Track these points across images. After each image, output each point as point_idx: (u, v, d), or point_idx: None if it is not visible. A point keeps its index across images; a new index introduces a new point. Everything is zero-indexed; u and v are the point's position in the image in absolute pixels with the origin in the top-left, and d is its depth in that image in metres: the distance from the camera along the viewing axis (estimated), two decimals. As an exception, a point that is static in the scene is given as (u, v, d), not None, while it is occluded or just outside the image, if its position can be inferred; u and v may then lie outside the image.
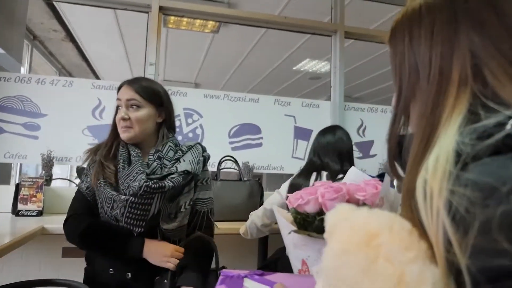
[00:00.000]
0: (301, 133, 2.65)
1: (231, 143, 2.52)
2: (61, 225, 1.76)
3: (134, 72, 5.86)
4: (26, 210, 1.95)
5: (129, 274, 1.16)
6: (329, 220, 0.48)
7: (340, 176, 1.76)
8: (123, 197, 1.11)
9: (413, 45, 0.52)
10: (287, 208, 1.77)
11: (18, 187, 1.97)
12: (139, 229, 1.12)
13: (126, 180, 1.14)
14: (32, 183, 1.98)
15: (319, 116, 2.69)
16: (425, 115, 0.49)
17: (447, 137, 0.44)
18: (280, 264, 1.74)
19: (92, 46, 4.94)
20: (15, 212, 1.94)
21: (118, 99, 1.22)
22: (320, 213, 0.69)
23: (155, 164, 1.19)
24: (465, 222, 0.36)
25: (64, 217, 1.97)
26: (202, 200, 1.30)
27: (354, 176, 0.84)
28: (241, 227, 1.95)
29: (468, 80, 0.47)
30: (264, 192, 2.22)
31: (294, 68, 5.42)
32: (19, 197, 1.95)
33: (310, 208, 0.70)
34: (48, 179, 2.14)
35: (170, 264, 1.12)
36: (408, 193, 0.45)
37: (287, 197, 1.73)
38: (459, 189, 0.38)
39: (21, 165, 3.59)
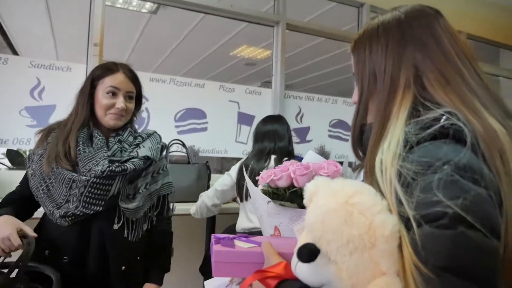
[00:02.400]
0: (244, 118, 2.77)
1: (177, 127, 2.56)
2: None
3: (59, 51, 5.48)
4: (-40, 195, 1.82)
5: (66, 258, 1.18)
6: (310, 188, 0.62)
7: (286, 159, 1.93)
8: (84, 177, 1.15)
9: (372, 56, 0.67)
10: (237, 189, 1.91)
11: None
12: (98, 208, 1.17)
13: (88, 163, 1.17)
14: (-33, 166, 1.86)
15: (261, 103, 2.83)
16: (380, 110, 0.64)
17: (397, 128, 0.60)
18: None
19: (12, 18, 4.52)
20: None
21: (115, 87, 1.22)
22: (290, 187, 0.82)
23: (115, 146, 1.24)
24: (411, 186, 0.51)
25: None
26: (166, 184, 1.38)
27: (312, 159, 0.98)
28: (192, 208, 2.05)
29: (411, 85, 0.63)
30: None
31: (231, 54, 5.50)
32: (-49, 181, 1.82)
33: (282, 183, 0.82)
34: (-17, 162, 2.01)
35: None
36: (370, 169, 0.61)
37: (238, 178, 1.88)
38: (407, 165, 0.53)
39: None
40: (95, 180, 1.15)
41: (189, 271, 2.37)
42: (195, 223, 2.29)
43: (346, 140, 3.14)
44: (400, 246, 0.51)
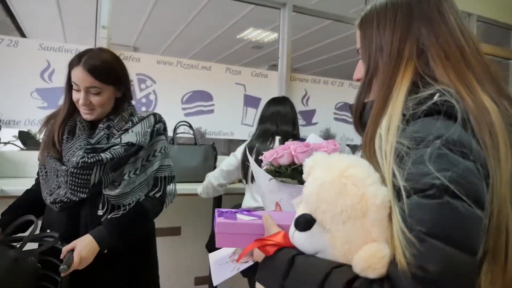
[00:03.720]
0: (250, 101, 2.80)
1: (184, 109, 2.60)
2: (17, 187, 1.77)
3: (66, 34, 5.50)
4: (-24, 174, 1.90)
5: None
6: (308, 163, 0.66)
7: (291, 140, 1.97)
8: (63, 167, 1.20)
9: (379, 30, 0.69)
10: (242, 170, 1.95)
11: (-35, 151, 1.90)
12: (84, 195, 1.21)
13: (67, 153, 1.22)
14: (-18, 146, 1.92)
15: (267, 85, 2.85)
16: (384, 83, 0.66)
17: (397, 103, 0.63)
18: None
19: (21, 1, 4.55)
20: (-36, 176, 1.89)
21: (74, 82, 1.19)
22: (291, 164, 0.86)
23: (102, 133, 1.25)
24: (404, 159, 0.55)
25: (20, 180, 1.98)
26: (165, 166, 1.36)
27: (314, 140, 1.02)
28: (198, 187, 2.10)
29: (413, 58, 0.65)
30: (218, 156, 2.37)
31: (238, 37, 5.48)
32: (-33, 160, 1.89)
33: (284, 161, 0.87)
34: (-3, 142, 2.07)
35: None
36: (371, 141, 0.64)
37: (242, 160, 1.92)
38: (402, 141, 0.56)
39: None
40: (73, 170, 1.18)
41: (196, 249, 2.45)
42: (202, 202, 2.35)
43: (352, 123, 3.15)
44: (390, 215, 0.55)
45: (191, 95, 2.62)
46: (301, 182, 0.80)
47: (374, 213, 0.55)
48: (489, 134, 0.56)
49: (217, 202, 2.31)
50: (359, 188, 0.56)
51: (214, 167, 2.29)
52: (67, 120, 1.26)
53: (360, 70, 0.75)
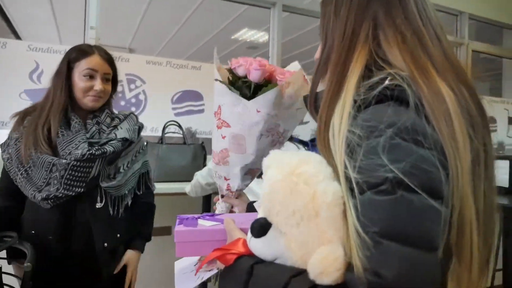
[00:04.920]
0: (241, 100, 2.80)
1: (174, 109, 2.60)
2: None
3: (62, 36, 5.51)
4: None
5: (51, 236, 1.21)
6: (264, 163, 0.61)
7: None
8: (64, 161, 1.17)
9: (337, 9, 0.65)
10: None
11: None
12: (80, 189, 1.19)
13: (67, 147, 1.19)
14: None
15: (258, 84, 2.85)
16: (338, 64, 0.61)
17: (350, 87, 0.57)
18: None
19: (14, 4, 4.56)
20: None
21: (92, 69, 1.22)
22: (245, 77, 0.83)
23: (94, 128, 1.26)
24: (355, 150, 0.51)
25: None
26: (145, 163, 1.43)
27: (293, 68, 0.94)
28: (187, 186, 2.10)
29: (368, 41, 0.61)
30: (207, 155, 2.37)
31: (233, 37, 5.48)
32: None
33: (240, 71, 0.84)
34: (-15, 143, 2.07)
35: None
36: (325, 128, 0.58)
37: None
38: (353, 129, 0.52)
39: None
40: (75, 163, 1.17)
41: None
42: (191, 202, 2.35)
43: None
44: (345, 212, 0.51)
45: (181, 95, 2.62)
46: (245, 96, 0.79)
47: (326, 211, 0.51)
48: (444, 121, 0.52)
49: (207, 201, 2.31)
50: (311, 186, 0.53)
51: (204, 166, 2.29)
52: (61, 115, 1.22)
53: (319, 50, 0.70)
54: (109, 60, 1.28)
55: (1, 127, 2.20)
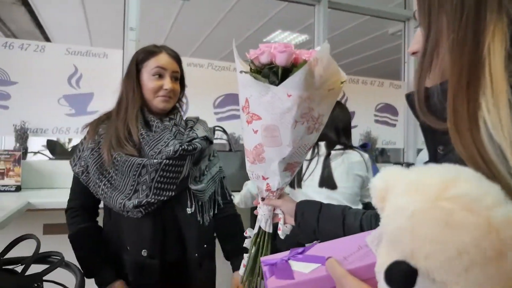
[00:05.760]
0: (285, 104, 2.63)
1: (216, 113, 2.46)
2: (45, 199, 1.67)
3: (93, 40, 5.50)
4: (2, 185, 1.80)
5: (145, 252, 1.12)
6: (378, 185, 0.46)
7: (338, 147, 1.79)
8: (155, 160, 1.09)
9: None
10: None
11: (-8, 161, 1.80)
12: (171, 193, 1.12)
13: (156, 146, 1.13)
14: (9, 156, 1.82)
15: (302, 87, 2.68)
16: (464, 44, 0.46)
17: (497, 72, 0.42)
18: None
19: (47, 10, 4.55)
20: (-10, 187, 1.79)
21: (161, 67, 1.17)
22: (270, 64, 0.77)
23: (174, 129, 1.20)
24: None
25: (47, 191, 1.87)
26: (220, 168, 1.37)
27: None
28: (236, 197, 1.93)
29: (503, 7, 0.44)
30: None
31: (264, 40, 5.34)
32: (-6, 171, 1.79)
33: (264, 59, 0.77)
34: (24, 152, 1.97)
35: None
36: (470, 127, 0.43)
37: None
38: None
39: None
40: (167, 162, 1.10)
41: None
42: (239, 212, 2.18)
43: (394, 125, 2.94)
44: None
45: (223, 99, 2.48)
46: (273, 83, 0.74)
47: None
48: None
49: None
50: (478, 214, 0.36)
51: (251, 175, 2.12)
52: (139, 116, 1.17)
53: (417, 40, 0.56)
54: (177, 58, 1.23)
55: (41, 134, 2.10)
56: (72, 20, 4.74)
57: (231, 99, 2.49)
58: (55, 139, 3.03)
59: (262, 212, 0.93)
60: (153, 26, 4.66)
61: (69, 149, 3.35)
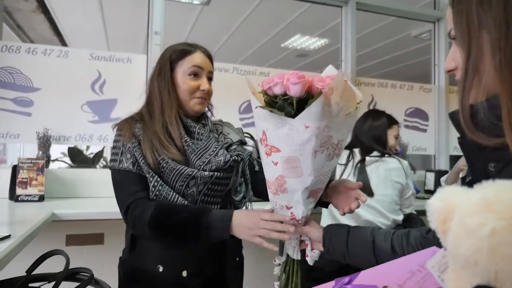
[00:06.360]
0: (312, 109, 2.54)
1: (241, 119, 2.38)
2: (69, 210, 1.59)
3: (111, 47, 5.50)
4: (26, 195, 1.74)
5: (185, 272, 1.01)
6: (437, 207, 0.43)
7: (374, 154, 1.71)
8: (206, 173, 1.00)
9: (483, 6, 0.52)
10: None
11: (15, 170, 1.74)
12: (217, 206, 1.04)
13: (203, 155, 1.04)
14: (32, 164, 1.76)
15: (329, 91, 2.58)
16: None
17: None
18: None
19: (66, 18, 4.56)
20: (14, 197, 1.73)
21: (198, 66, 1.09)
22: (284, 95, 0.76)
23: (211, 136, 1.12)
24: None
25: (70, 201, 1.80)
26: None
27: (329, 72, 0.85)
28: (266, 207, 1.85)
29: None
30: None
31: (282, 45, 5.26)
32: (17, 180, 1.73)
33: (277, 90, 0.76)
34: (47, 160, 1.92)
35: (258, 238, 0.88)
36: None
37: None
38: None
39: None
40: (218, 175, 1.02)
41: (260, 273, 2.18)
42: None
43: (424, 130, 2.82)
44: None
45: (249, 104, 2.39)
46: (289, 114, 0.74)
47: None
48: None
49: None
50: None
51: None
52: (178, 120, 1.07)
53: (453, 58, 0.58)
54: (211, 57, 1.16)
55: (63, 142, 2.04)
56: (90, 27, 4.74)
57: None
58: (76, 146, 2.98)
59: (289, 241, 0.91)
60: (172, 31, 4.63)
61: (90, 157, 3.31)
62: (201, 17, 4.28)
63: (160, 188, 0.99)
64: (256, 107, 0.80)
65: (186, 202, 1.00)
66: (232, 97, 2.36)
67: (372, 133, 1.81)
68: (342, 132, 0.80)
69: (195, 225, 0.92)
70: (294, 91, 0.74)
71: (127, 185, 1.01)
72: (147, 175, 1.00)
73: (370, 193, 1.64)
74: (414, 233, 0.81)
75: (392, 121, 1.86)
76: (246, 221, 0.89)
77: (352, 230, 0.87)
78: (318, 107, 0.71)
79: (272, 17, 4.33)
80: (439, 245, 0.43)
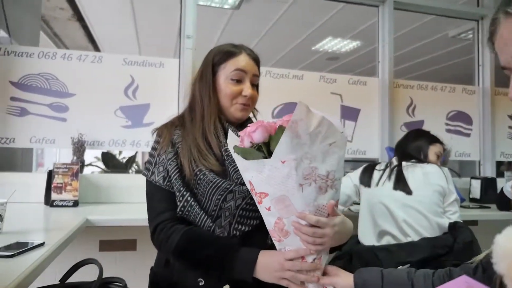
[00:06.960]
0: (348, 112, 2.44)
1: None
2: (103, 216, 1.57)
3: (142, 52, 5.58)
4: (61, 200, 1.73)
5: (227, 286, 0.94)
6: (507, 250, 0.45)
7: (413, 161, 1.64)
8: (244, 187, 0.91)
9: None
10: (358, 195, 1.66)
11: (50, 175, 1.75)
12: (256, 221, 0.94)
13: None
14: (67, 169, 1.76)
15: (366, 94, 2.48)
16: None
17: None
18: (355, 256, 1.57)
19: (101, 26, 4.66)
20: (49, 202, 1.73)
21: (241, 70, 1.02)
22: (253, 145, 0.79)
23: None
24: None
25: (103, 207, 1.79)
26: None
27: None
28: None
29: None
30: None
31: (313, 48, 5.18)
32: (52, 185, 1.73)
33: (246, 143, 0.80)
34: (81, 165, 1.92)
35: (285, 281, 0.84)
36: None
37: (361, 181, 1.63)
38: None
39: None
40: None
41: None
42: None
43: (468, 134, 2.66)
44: None
45: (283, 108, 2.33)
46: (265, 157, 0.76)
47: None
48: None
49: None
50: None
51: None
52: (218, 127, 1.02)
53: None
54: (257, 61, 1.08)
55: (97, 147, 2.04)
56: (123, 33, 4.83)
57: (291, 108, 2.32)
58: (109, 151, 3.00)
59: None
60: (202, 35, 4.63)
61: (123, 161, 3.34)
62: (232, 21, 4.27)
63: (189, 209, 0.93)
64: (237, 160, 0.83)
65: (214, 226, 0.92)
66: (266, 101, 2.29)
67: (414, 145, 1.77)
68: (330, 164, 0.78)
69: (219, 264, 0.88)
70: (257, 138, 0.77)
71: (157, 201, 0.98)
72: (177, 193, 0.94)
73: (408, 191, 1.56)
74: (458, 272, 0.74)
75: (434, 139, 1.77)
76: (271, 263, 0.85)
77: (385, 273, 0.81)
78: (286, 140, 0.72)
79: (302, 20, 4.27)
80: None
